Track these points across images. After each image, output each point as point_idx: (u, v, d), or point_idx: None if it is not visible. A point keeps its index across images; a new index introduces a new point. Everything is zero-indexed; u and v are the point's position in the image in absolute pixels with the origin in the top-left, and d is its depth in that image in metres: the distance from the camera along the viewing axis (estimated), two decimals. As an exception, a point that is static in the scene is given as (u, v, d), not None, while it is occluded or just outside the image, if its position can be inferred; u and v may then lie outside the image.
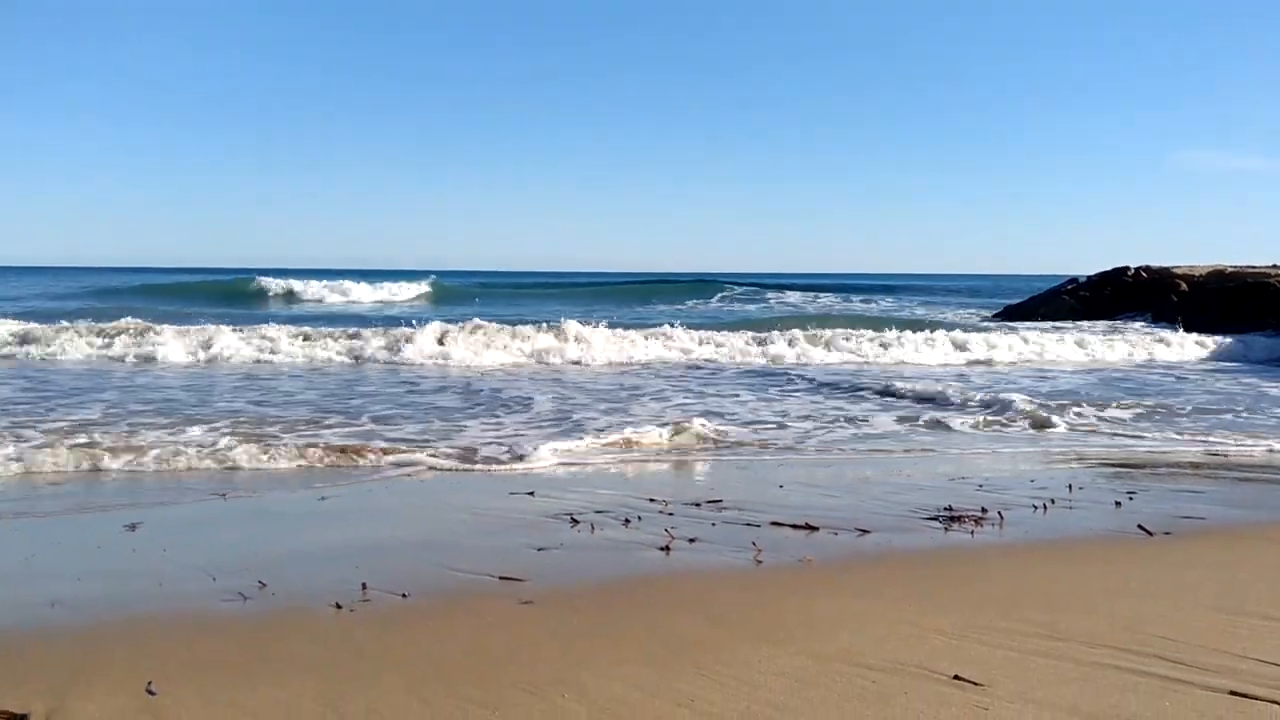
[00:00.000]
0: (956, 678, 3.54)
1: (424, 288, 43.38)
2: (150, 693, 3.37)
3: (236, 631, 4.06)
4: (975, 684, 3.49)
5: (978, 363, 19.03)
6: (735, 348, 19.09)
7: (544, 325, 19.06)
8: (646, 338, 19.36)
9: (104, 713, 3.21)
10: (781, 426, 10.29)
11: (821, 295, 47.75)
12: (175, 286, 42.32)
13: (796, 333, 20.19)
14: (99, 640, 3.93)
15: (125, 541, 5.49)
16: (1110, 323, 26.41)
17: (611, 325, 19.77)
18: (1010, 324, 26.95)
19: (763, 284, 55.90)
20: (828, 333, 20.77)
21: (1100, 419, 11.01)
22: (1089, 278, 30.41)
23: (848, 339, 20.22)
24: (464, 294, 44.20)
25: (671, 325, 20.60)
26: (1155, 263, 28.86)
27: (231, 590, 4.58)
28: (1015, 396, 11.86)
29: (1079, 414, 11.25)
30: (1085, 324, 26.04)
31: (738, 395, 12.97)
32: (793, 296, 45.89)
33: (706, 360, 18.11)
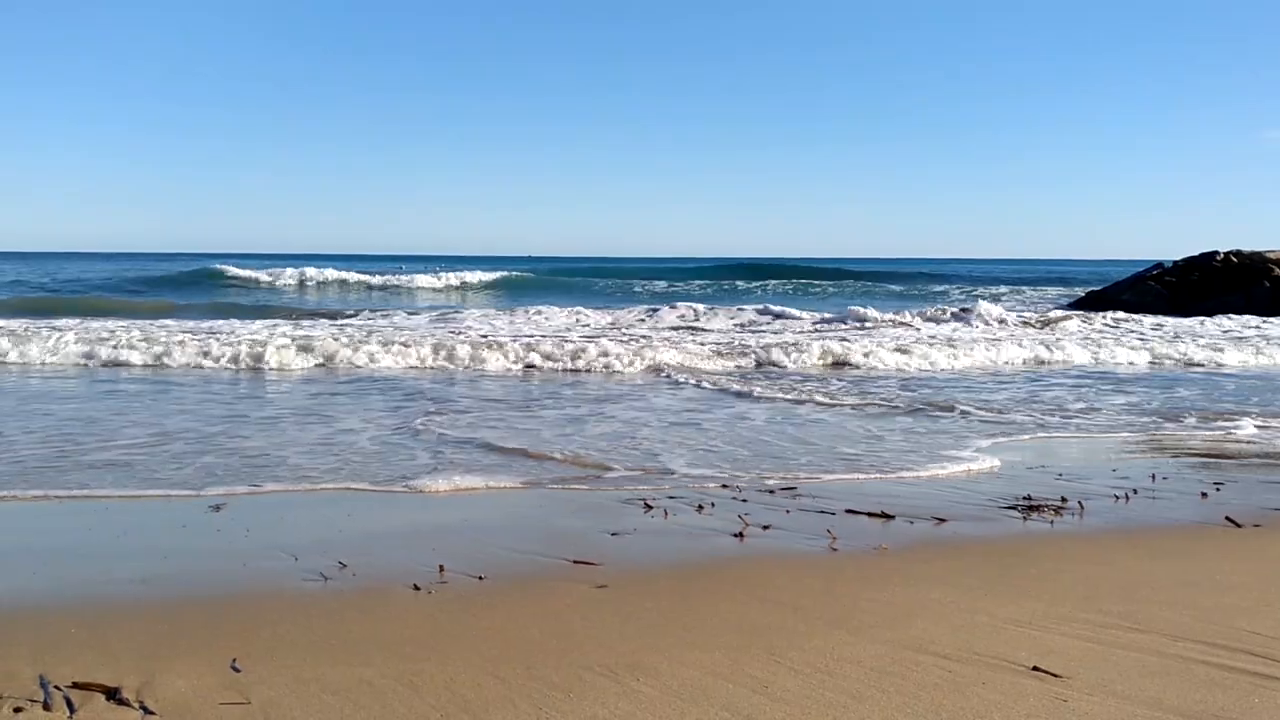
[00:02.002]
0: (1035, 669, 3.49)
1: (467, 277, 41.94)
2: (235, 669, 3.45)
3: (318, 610, 4.14)
4: (1054, 675, 3.43)
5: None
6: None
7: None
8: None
9: (191, 688, 3.30)
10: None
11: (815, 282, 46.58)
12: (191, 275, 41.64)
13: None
14: (186, 617, 4.04)
15: (210, 522, 5.63)
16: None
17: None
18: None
19: (805, 270, 53.97)
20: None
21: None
22: (1175, 263, 29.64)
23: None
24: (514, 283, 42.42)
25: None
26: (1245, 247, 28.02)
27: (313, 570, 4.68)
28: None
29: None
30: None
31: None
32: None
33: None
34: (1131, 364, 15.94)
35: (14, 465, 7.00)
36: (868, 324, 22.21)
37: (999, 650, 3.68)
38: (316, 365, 14.04)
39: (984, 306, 24.63)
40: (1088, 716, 3.13)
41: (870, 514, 5.87)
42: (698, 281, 46.36)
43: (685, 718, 3.11)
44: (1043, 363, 15.83)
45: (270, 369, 13.68)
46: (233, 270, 41.24)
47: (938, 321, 23.31)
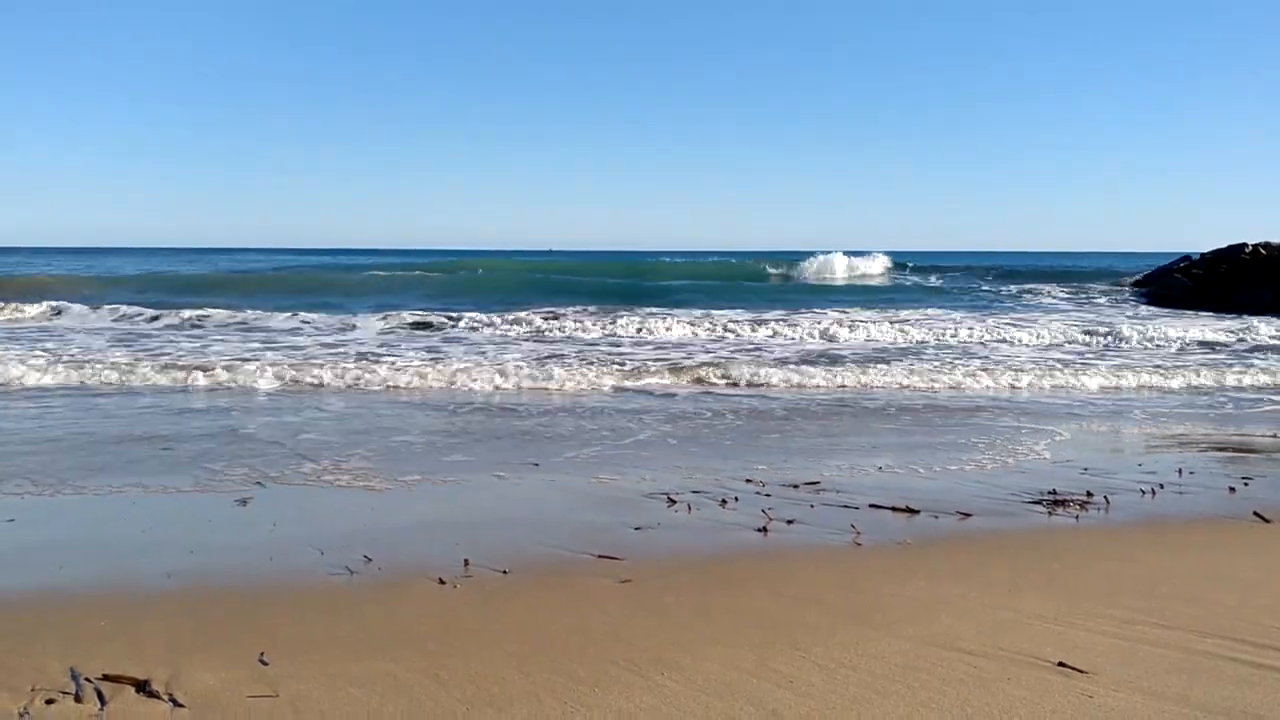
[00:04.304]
0: (1061, 664, 3.47)
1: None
2: (263, 663, 3.48)
3: (344, 604, 4.18)
4: (1080, 671, 3.42)
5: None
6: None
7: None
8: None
9: (220, 681, 3.34)
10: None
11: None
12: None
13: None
14: (213, 611, 4.07)
15: (235, 516, 5.67)
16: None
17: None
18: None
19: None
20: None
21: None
22: (1202, 255, 29.32)
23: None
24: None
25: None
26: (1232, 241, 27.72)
27: (338, 565, 4.71)
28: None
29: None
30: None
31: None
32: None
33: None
34: None
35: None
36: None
37: (1024, 646, 3.67)
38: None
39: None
40: (1114, 712, 3.12)
41: (894, 509, 5.86)
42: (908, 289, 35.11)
43: (710, 712, 3.11)
44: None
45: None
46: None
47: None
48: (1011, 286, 33.89)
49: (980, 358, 15.17)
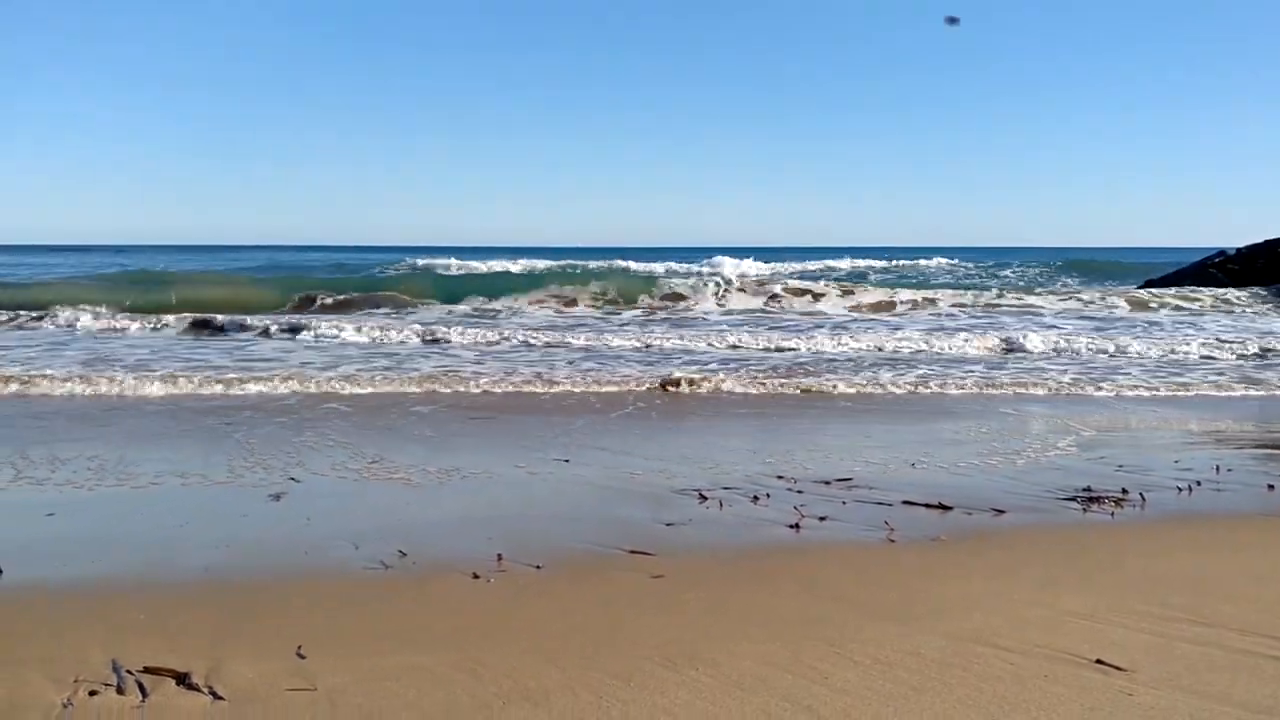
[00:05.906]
0: (1099, 662, 3.45)
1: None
2: (300, 656, 3.51)
3: (380, 598, 4.20)
4: (1118, 668, 3.39)
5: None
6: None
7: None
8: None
9: (257, 674, 3.36)
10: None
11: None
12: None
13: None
14: (249, 605, 4.11)
15: (270, 511, 5.71)
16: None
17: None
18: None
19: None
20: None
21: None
22: (1238, 250, 28.97)
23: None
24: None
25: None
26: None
27: (373, 559, 4.74)
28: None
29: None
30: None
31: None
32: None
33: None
34: None
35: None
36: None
37: (1060, 643, 3.64)
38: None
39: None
40: (1154, 711, 3.09)
41: (927, 505, 5.83)
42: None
43: (746, 708, 3.11)
44: None
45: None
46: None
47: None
48: (1097, 285, 31.21)
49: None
